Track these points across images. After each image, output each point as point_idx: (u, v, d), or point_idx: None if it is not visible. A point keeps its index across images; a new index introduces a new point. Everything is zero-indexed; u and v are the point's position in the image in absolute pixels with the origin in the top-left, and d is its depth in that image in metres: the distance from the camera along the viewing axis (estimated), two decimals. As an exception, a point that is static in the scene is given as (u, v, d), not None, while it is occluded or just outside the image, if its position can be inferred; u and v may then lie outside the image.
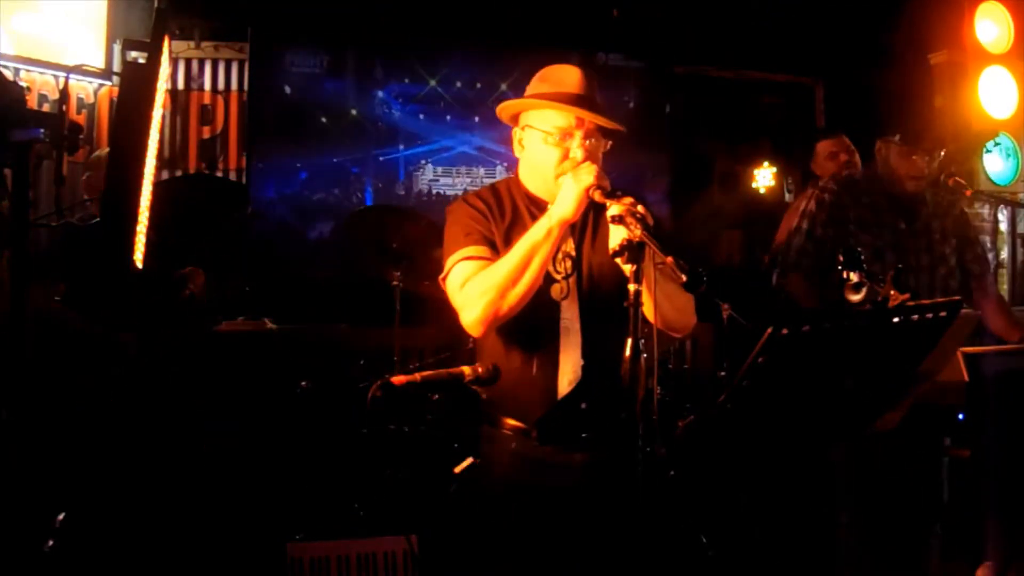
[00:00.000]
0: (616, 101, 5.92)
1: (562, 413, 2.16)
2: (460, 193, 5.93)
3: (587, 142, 2.15)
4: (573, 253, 2.20)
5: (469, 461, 2.99)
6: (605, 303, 2.15)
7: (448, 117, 6.43)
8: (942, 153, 3.30)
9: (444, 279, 2.21)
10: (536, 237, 2.05)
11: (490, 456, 2.30)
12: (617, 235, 1.91)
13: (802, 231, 3.39)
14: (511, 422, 2.21)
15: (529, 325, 2.17)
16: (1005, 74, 5.24)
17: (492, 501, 2.27)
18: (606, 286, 2.17)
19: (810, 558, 3.24)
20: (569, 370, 2.16)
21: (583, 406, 2.15)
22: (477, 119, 6.36)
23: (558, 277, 2.18)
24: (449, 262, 2.19)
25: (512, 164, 5.66)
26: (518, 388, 2.19)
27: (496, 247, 2.18)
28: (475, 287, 2.09)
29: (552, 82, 2.21)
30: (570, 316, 2.17)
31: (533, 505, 2.19)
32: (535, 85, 2.25)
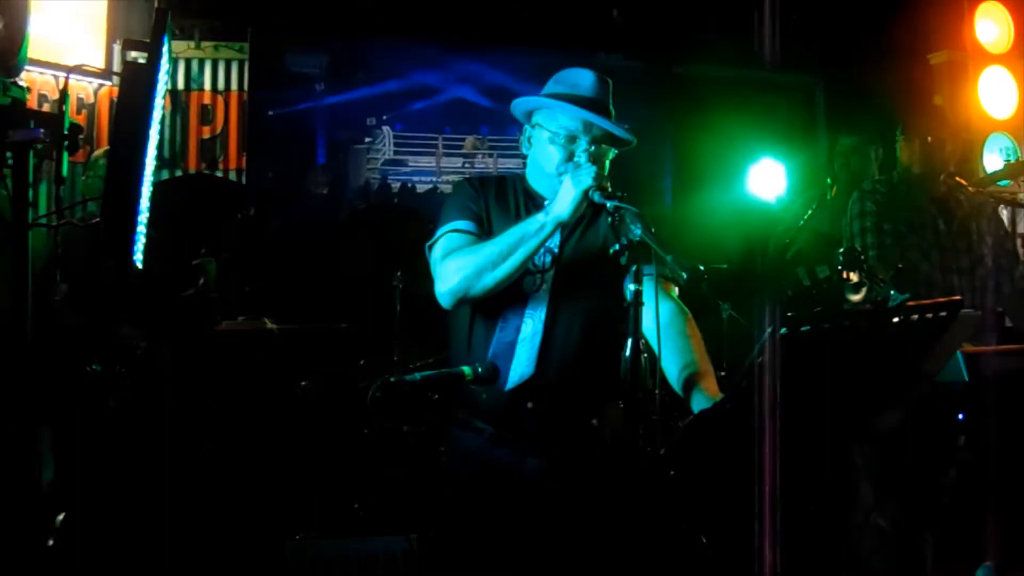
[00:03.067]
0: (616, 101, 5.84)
1: (508, 408, 2.12)
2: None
3: (592, 148, 2.16)
4: (556, 250, 2.18)
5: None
6: (578, 304, 2.14)
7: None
8: (948, 144, 3.29)
9: (431, 246, 2.20)
10: (528, 229, 2.04)
11: (450, 457, 2.31)
12: (617, 235, 1.91)
13: (868, 229, 3.29)
14: (474, 421, 2.19)
15: (495, 313, 2.16)
16: (1005, 74, 5.25)
17: (453, 503, 2.25)
18: (584, 287, 2.16)
19: (810, 558, 3.24)
20: (523, 363, 2.12)
21: (529, 405, 2.11)
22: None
23: (534, 270, 2.16)
24: (440, 231, 2.19)
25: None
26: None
27: (488, 229, 2.18)
28: (456, 260, 2.09)
29: (566, 84, 2.22)
30: (537, 310, 2.15)
31: (489, 509, 2.15)
32: (550, 85, 2.26)
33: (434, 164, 3.38)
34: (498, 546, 2.14)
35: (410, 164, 3.26)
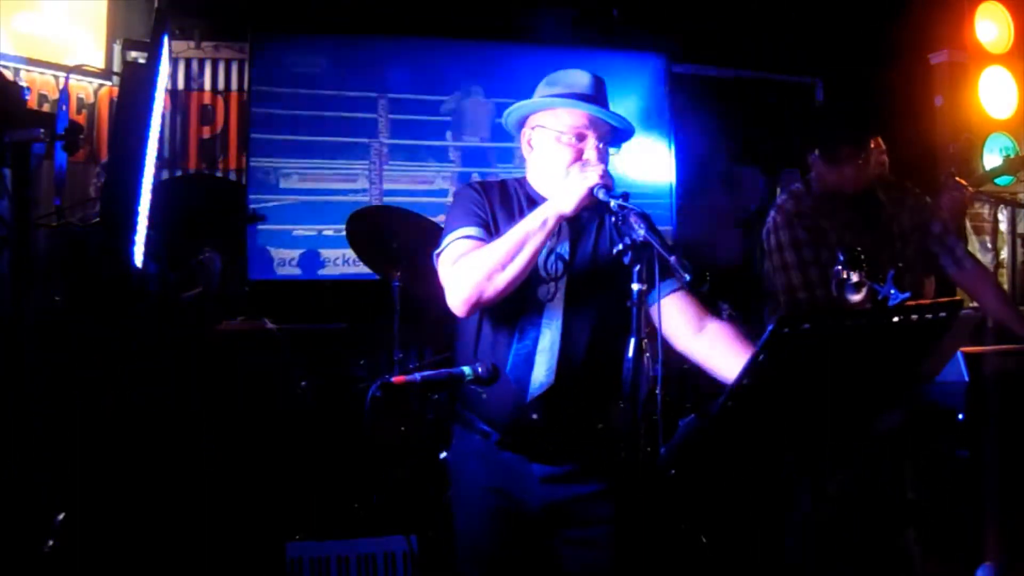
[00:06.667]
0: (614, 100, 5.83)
1: (524, 416, 2.11)
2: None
3: (600, 144, 2.15)
4: (567, 256, 2.17)
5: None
6: (592, 311, 2.13)
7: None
8: (874, 157, 3.20)
9: (439, 253, 2.18)
10: (531, 225, 2.02)
11: (459, 453, 2.26)
12: (621, 235, 1.90)
13: (785, 244, 3.22)
14: (478, 423, 2.18)
15: (511, 323, 2.14)
16: (1005, 74, 5.27)
17: (462, 501, 2.24)
18: (597, 294, 2.14)
19: (808, 558, 3.24)
20: (543, 373, 2.11)
21: (534, 416, 2.10)
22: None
23: (547, 278, 2.14)
24: (447, 238, 2.16)
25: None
26: (491, 387, 2.09)
27: (495, 235, 2.14)
28: (465, 267, 2.06)
29: (563, 84, 2.21)
30: (553, 319, 2.13)
31: (498, 510, 2.15)
32: (544, 88, 2.24)
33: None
34: (503, 550, 2.14)
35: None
